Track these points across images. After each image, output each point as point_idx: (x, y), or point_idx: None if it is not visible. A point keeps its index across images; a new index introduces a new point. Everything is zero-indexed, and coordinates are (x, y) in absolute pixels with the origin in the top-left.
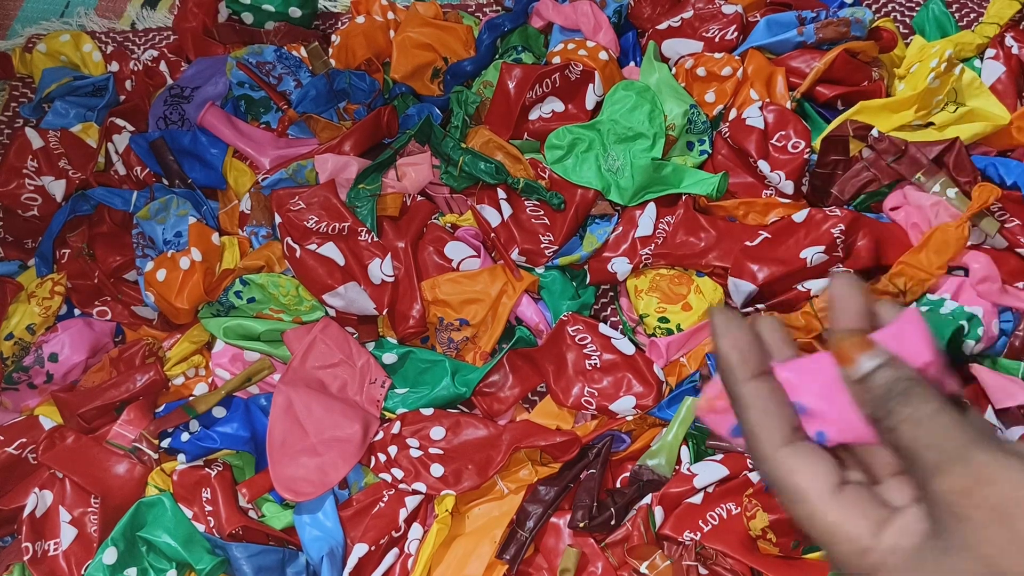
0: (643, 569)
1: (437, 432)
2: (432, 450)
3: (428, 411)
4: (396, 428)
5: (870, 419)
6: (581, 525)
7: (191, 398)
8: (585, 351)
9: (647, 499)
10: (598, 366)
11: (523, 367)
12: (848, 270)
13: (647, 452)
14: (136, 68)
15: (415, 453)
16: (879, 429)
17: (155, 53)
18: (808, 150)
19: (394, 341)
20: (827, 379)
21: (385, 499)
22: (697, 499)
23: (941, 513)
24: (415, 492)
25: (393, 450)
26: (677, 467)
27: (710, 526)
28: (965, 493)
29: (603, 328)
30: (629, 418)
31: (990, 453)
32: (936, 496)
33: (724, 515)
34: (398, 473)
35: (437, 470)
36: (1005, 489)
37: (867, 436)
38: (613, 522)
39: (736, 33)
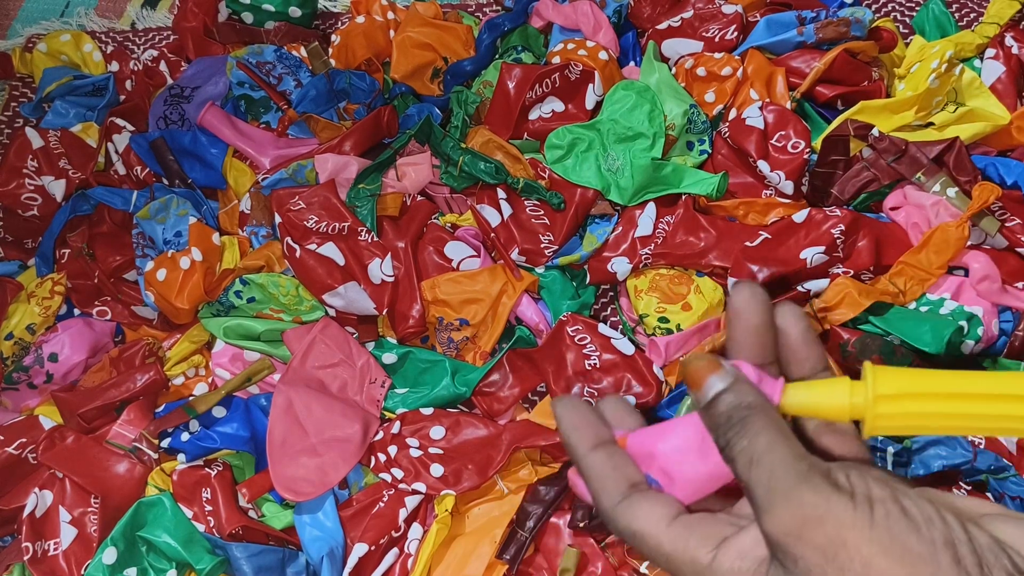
0: (643, 569)
1: (437, 432)
2: (432, 450)
3: (428, 411)
4: (396, 428)
5: (719, 447)
6: (581, 525)
7: (191, 398)
8: (585, 351)
9: None
10: (597, 366)
11: (523, 367)
12: (850, 269)
13: None
14: (136, 68)
15: (415, 453)
16: (724, 458)
17: (155, 53)
18: (808, 150)
19: (394, 341)
20: (677, 441)
21: (385, 499)
22: None
23: (776, 552)
24: (415, 492)
25: (393, 450)
26: None
27: None
28: (793, 534)
29: (603, 328)
30: None
31: (819, 492)
32: (768, 536)
33: None
34: (398, 473)
35: (437, 470)
36: (830, 530)
37: (720, 484)
38: None
39: (736, 33)
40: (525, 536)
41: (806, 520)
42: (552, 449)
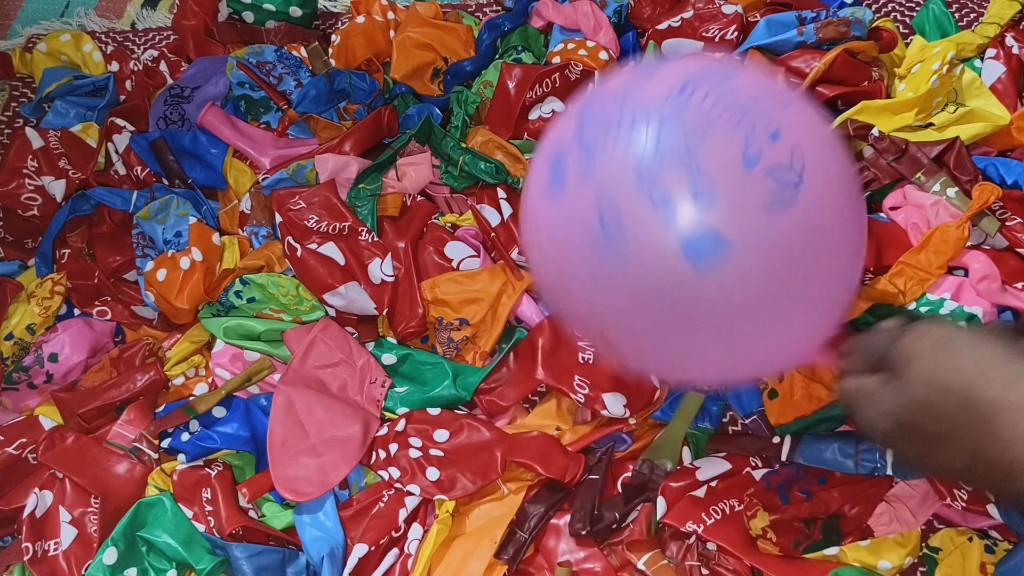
0: (640, 565)
1: (440, 435)
2: (432, 451)
3: (435, 411)
4: (401, 426)
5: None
6: (583, 532)
7: (191, 398)
8: (580, 343)
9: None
10: (591, 361)
11: (524, 368)
12: None
13: (649, 447)
14: (136, 68)
15: (414, 454)
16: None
17: (155, 53)
18: None
19: (394, 341)
20: None
21: (385, 499)
22: (700, 492)
23: (900, 360)
24: (411, 493)
25: (394, 448)
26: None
27: (712, 520)
28: (917, 339)
29: None
30: (632, 421)
31: (928, 323)
32: (899, 349)
33: (727, 510)
34: (395, 472)
35: (433, 474)
36: (939, 334)
37: None
38: (615, 526)
39: (736, 33)
40: (525, 537)
41: (923, 333)
42: (552, 471)
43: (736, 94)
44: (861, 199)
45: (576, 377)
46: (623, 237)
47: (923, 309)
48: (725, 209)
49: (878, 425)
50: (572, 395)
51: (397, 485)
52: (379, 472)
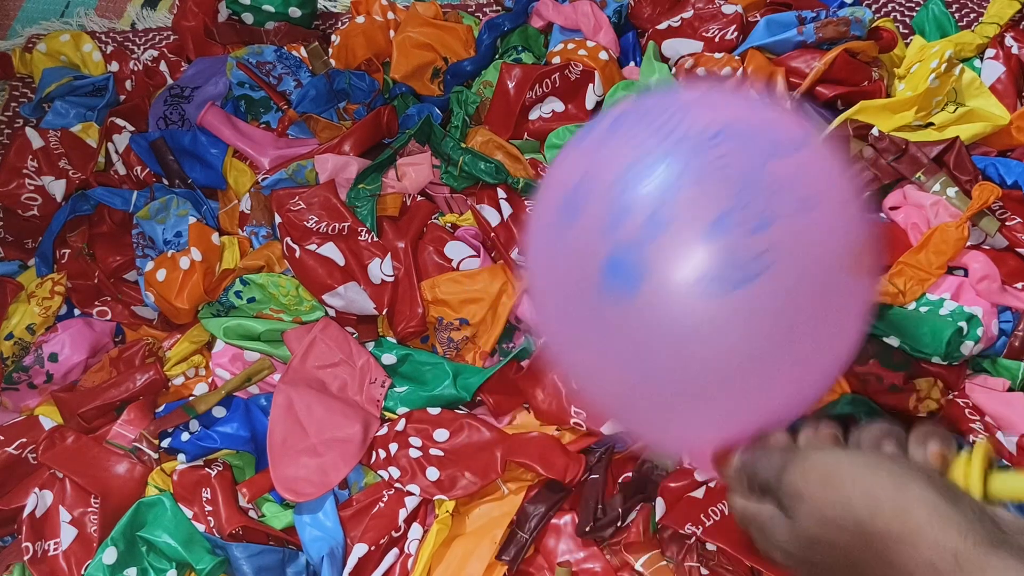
0: (638, 567)
1: (440, 434)
2: (432, 451)
3: (435, 411)
4: (401, 425)
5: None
6: (587, 530)
7: (191, 398)
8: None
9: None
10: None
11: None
12: None
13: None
14: (136, 68)
15: (414, 454)
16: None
17: (155, 53)
18: None
19: (394, 341)
20: None
21: (385, 499)
22: (699, 493)
23: (787, 498)
24: (411, 493)
25: (394, 447)
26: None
27: (711, 521)
28: (802, 476)
29: None
30: None
31: (812, 454)
32: (786, 486)
33: (726, 511)
34: (395, 472)
35: (433, 474)
36: (823, 466)
37: None
38: (619, 523)
39: (736, 33)
40: (525, 537)
41: (806, 468)
42: (553, 472)
43: (742, 131)
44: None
45: (572, 408)
46: (634, 275)
47: (923, 309)
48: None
49: (774, 556)
50: (570, 422)
51: (397, 485)
52: (379, 472)
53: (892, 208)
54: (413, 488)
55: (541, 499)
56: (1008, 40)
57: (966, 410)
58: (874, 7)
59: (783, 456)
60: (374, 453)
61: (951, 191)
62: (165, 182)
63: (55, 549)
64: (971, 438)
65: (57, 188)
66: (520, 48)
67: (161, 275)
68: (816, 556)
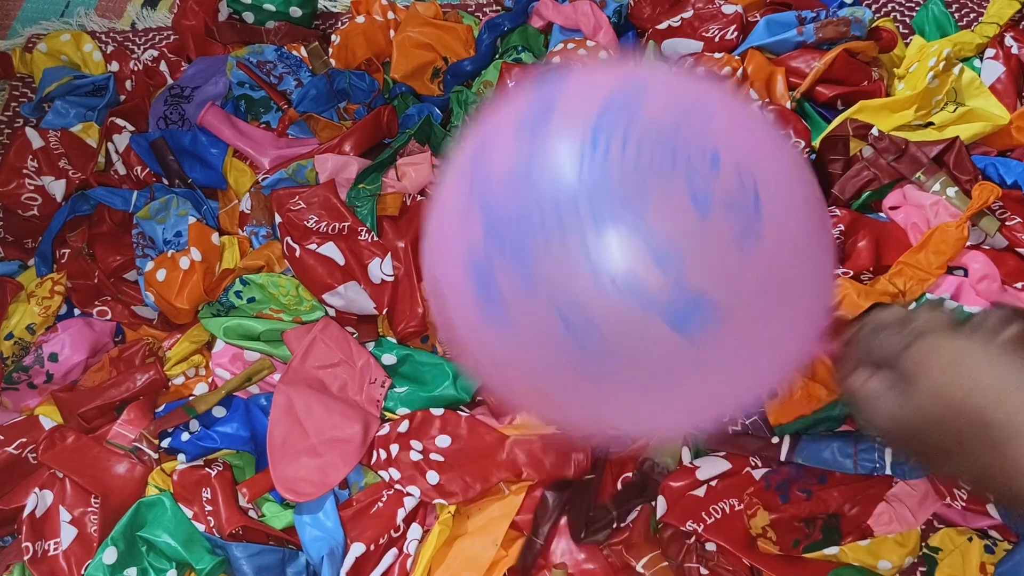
0: (639, 568)
1: (442, 440)
2: (433, 456)
3: (438, 411)
4: (403, 427)
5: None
6: (582, 536)
7: (191, 398)
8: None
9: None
10: None
11: None
12: (849, 269)
13: (650, 447)
14: (136, 68)
15: (415, 456)
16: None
17: (155, 53)
18: (808, 150)
19: (394, 341)
20: None
21: (384, 499)
22: (700, 492)
23: (909, 370)
24: (410, 494)
25: (395, 448)
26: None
27: (712, 519)
28: (929, 352)
29: None
30: None
31: (942, 336)
32: (907, 361)
33: (726, 510)
34: (395, 473)
35: (433, 477)
36: (952, 348)
37: None
38: (615, 525)
39: (736, 33)
40: (540, 543)
41: (933, 348)
42: (559, 472)
43: (655, 125)
44: (819, 194)
45: None
46: (597, 332)
47: None
48: (698, 267)
49: (881, 426)
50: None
51: (397, 486)
52: (380, 472)
53: (892, 208)
54: (413, 490)
55: (551, 500)
56: (1008, 40)
57: None
58: (874, 7)
59: (909, 333)
60: (375, 453)
61: (951, 191)
62: (165, 182)
63: (55, 549)
64: None
65: (57, 188)
66: (520, 48)
67: (161, 275)
68: (923, 433)
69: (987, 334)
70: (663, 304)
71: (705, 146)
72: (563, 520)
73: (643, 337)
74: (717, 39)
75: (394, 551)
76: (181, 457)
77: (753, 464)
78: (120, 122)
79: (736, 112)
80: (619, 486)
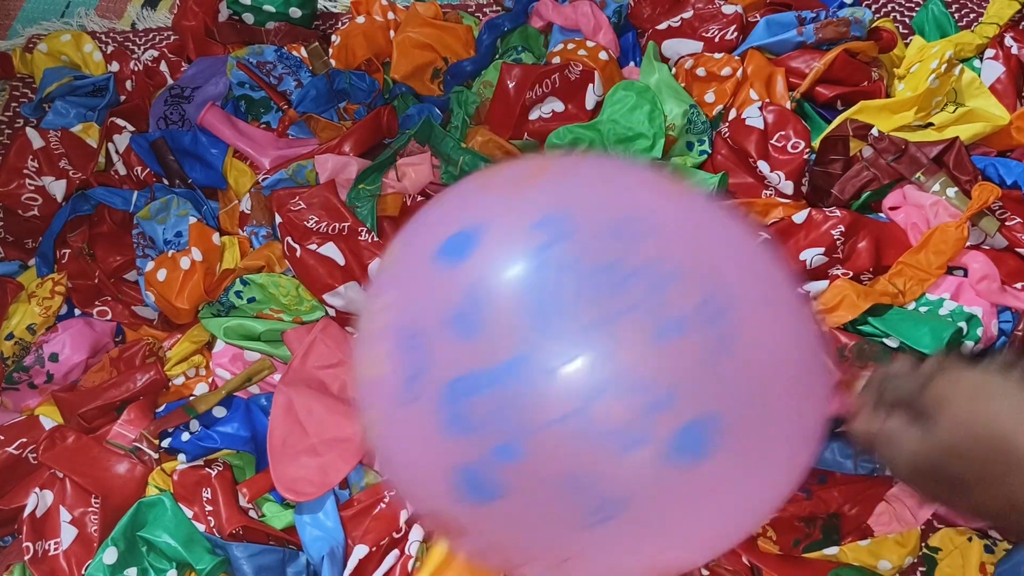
0: None
1: None
2: None
3: None
4: None
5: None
6: None
7: (191, 398)
8: None
9: None
10: None
11: None
12: (849, 270)
13: None
14: (136, 68)
15: None
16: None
17: (155, 53)
18: (808, 150)
19: None
20: None
21: (386, 500)
22: None
23: (930, 404)
24: None
25: None
26: None
27: None
28: (951, 384)
29: None
30: None
31: (961, 370)
32: (928, 395)
33: None
34: None
35: None
36: (973, 380)
37: None
38: None
39: (736, 33)
40: None
41: (954, 380)
42: None
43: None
44: (800, 297)
45: None
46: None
47: (923, 309)
48: (687, 398)
49: (902, 464)
50: None
51: None
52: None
53: (892, 208)
54: None
55: None
56: (1008, 40)
57: None
58: (874, 7)
59: (925, 373)
60: None
61: (951, 191)
62: (165, 182)
63: (55, 549)
64: None
65: (57, 188)
66: (520, 48)
67: (161, 275)
68: (944, 467)
69: (1001, 368)
70: (663, 440)
71: (657, 280)
72: None
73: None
74: (717, 39)
75: (395, 552)
76: (181, 457)
77: None
78: (120, 122)
79: (682, 215)
80: None
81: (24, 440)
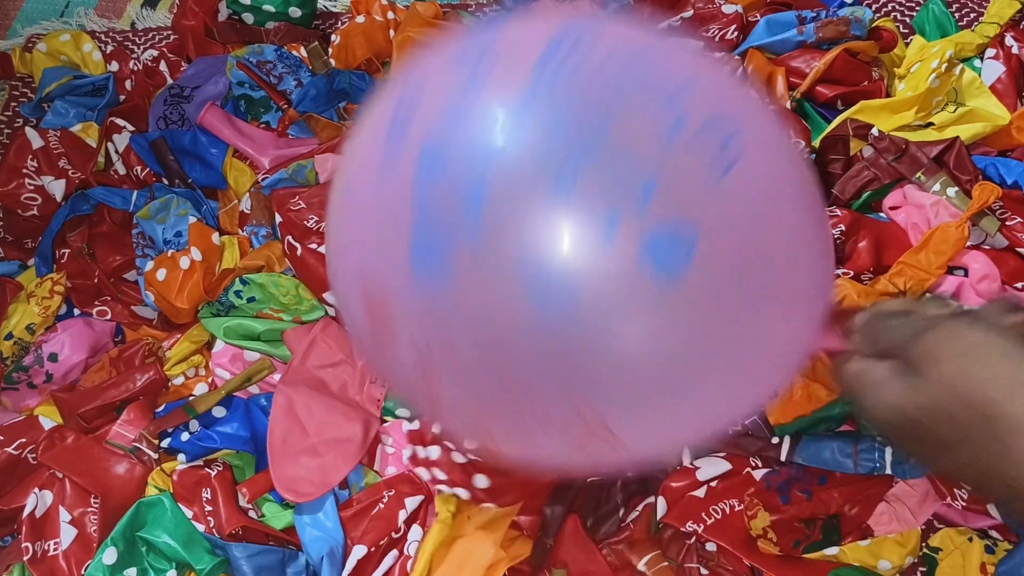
0: (641, 566)
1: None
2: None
3: None
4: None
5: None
6: (588, 524)
7: (191, 398)
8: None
9: (652, 497)
10: None
11: None
12: (850, 270)
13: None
14: (136, 68)
15: (458, 459)
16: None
17: (155, 53)
18: (808, 150)
19: None
20: None
21: (385, 500)
22: (700, 492)
23: (920, 357)
24: (414, 494)
25: (435, 451)
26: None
27: (712, 519)
28: (945, 340)
29: None
30: None
31: (959, 325)
32: (922, 345)
33: (727, 510)
34: (439, 474)
35: (482, 481)
36: (970, 338)
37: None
38: (620, 512)
39: (736, 33)
40: (550, 542)
41: (950, 335)
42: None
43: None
44: (799, 151)
45: None
46: (570, 295)
47: None
48: (670, 187)
49: (881, 416)
50: None
51: (441, 487)
52: (417, 470)
53: (892, 208)
54: (461, 492)
55: (556, 500)
56: (1008, 40)
57: None
58: (874, 7)
59: (920, 321)
60: (413, 449)
61: (951, 191)
62: (165, 182)
63: (55, 549)
64: None
65: (57, 188)
66: None
67: (161, 275)
68: (925, 425)
69: (996, 324)
70: (640, 238)
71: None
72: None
73: (625, 288)
74: (717, 39)
75: (394, 552)
76: (181, 457)
77: (753, 465)
78: (120, 122)
79: (699, 59)
80: (619, 485)
81: (23, 440)
